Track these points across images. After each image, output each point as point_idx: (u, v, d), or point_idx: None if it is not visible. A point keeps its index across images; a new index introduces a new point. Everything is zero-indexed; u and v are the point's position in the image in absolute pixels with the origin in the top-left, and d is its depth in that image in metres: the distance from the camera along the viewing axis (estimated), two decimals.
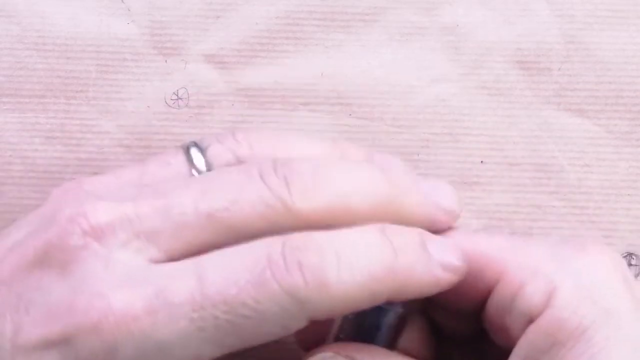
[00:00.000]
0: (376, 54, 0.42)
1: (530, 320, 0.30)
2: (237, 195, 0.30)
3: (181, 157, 0.34)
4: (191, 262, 0.29)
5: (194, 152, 0.34)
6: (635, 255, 0.42)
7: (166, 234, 0.29)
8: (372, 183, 0.31)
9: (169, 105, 0.42)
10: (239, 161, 0.32)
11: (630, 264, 0.42)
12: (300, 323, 0.29)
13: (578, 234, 0.42)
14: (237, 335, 0.29)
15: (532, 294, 0.30)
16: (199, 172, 0.33)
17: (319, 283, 0.28)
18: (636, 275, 0.42)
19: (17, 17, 0.42)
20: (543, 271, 0.30)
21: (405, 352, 0.33)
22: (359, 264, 0.29)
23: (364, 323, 0.33)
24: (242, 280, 0.28)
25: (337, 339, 0.33)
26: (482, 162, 0.42)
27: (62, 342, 0.29)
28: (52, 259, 0.30)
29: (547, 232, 0.42)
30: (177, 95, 0.42)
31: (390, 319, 0.33)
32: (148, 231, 0.30)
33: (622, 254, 0.42)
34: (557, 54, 0.42)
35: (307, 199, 0.30)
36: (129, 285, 0.29)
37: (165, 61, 0.42)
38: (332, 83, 0.42)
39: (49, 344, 0.29)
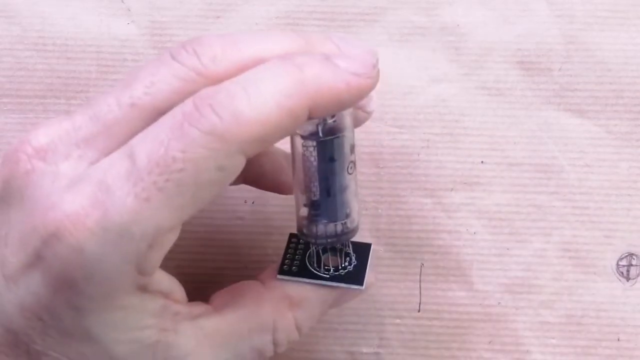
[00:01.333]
0: None
1: None
2: (152, 79, 0.31)
3: None
4: (122, 148, 0.31)
5: None
6: (636, 256, 0.42)
7: (101, 136, 0.31)
8: (283, 42, 0.32)
9: None
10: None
11: (630, 264, 0.42)
12: (234, 160, 0.30)
13: (578, 234, 0.42)
14: (182, 192, 0.30)
15: None
16: None
17: (232, 114, 0.30)
18: (636, 276, 0.42)
19: (17, 18, 0.42)
20: None
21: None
22: (267, 87, 0.30)
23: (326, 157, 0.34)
24: (165, 139, 0.30)
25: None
26: (482, 162, 0.42)
27: (37, 261, 0.31)
28: (11, 190, 0.32)
29: (547, 232, 0.42)
30: None
31: (341, 145, 0.34)
32: (85, 138, 0.32)
33: (623, 254, 0.42)
34: (558, 54, 0.42)
35: (219, 63, 0.31)
36: (74, 189, 0.30)
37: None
38: None
39: (26, 267, 0.31)
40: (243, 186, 0.39)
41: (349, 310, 0.42)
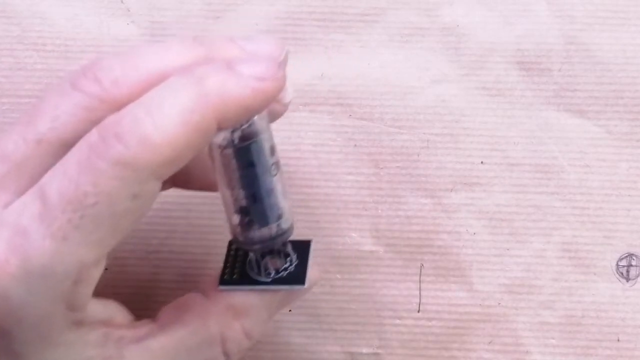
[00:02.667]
0: (376, 55, 0.42)
1: None
2: (56, 112, 0.31)
3: None
4: (33, 189, 0.30)
5: None
6: (636, 256, 0.42)
7: (11, 176, 0.31)
8: (184, 53, 0.32)
9: None
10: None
11: (630, 265, 0.42)
12: (148, 186, 0.30)
13: (578, 234, 0.42)
14: (98, 226, 0.29)
15: None
16: None
17: (138, 139, 0.29)
18: (636, 276, 0.42)
19: (16, 18, 0.42)
20: None
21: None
22: (170, 105, 0.29)
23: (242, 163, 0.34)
24: (74, 175, 0.29)
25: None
26: (482, 162, 0.42)
27: None
28: None
29: (547, 232, 0.42)
30: None
31: (259, 148, 0.33)
32: None
33: (623, 254, 0.42)
34: (558, 54, 0.42)
35: (120, 85, 0.30)
36: None
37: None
38: (332, 84, 0.42)
39: None
40: None
41: (348, 311, 0.42)
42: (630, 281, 0.42)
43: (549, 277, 0.42)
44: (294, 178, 0.42)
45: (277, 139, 0.41)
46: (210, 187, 0.37)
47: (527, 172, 0.42)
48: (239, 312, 0.35)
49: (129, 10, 0.42)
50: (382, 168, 0.42)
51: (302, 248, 0.36)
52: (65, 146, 0.30)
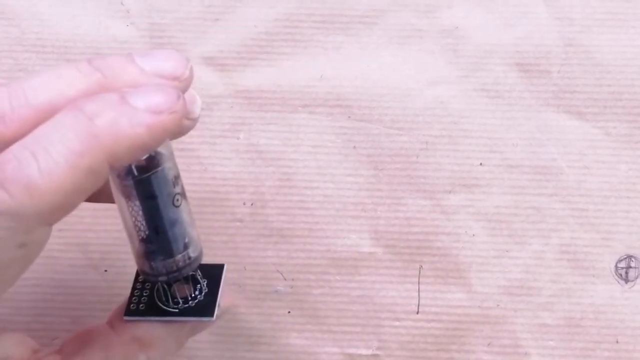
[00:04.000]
0: (375, 56, 0.42)
1: None
2: None
3: None
4: None
5: None
6: (634, 258, 0.42)
7: None
8: (76, 80, 0.29)
9: None
10: None
11: (629, 266, 0.42)
12: (36, 233, 0.28)
13: (577, 236, 0.42)
14: None
15: None
16: None
17: (23, 187, 0.27)
18: (635, 278, 0.42)
19: (16, 20, 0.42)
20: None
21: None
22: (56, 149, 0.27)
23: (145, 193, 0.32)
24: None
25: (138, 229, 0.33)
26: (481, 164, 0.42)
27: None
28: None
29: (546, 234, 0.42)
30: None
31: (161, 180, 0.32)
32: None
33: (621, 256, 0.42)
34: (556, 56, 0.42)
35: (10, 123, 0.29)
36: None
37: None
38: (331, 85, 0.42)
39: None
40: (242, 188, 0.39)
41: (347, 312, 0.42)
42: (629, 283, 0.42)
43: (548, 278, 0.42)
44: (293, 179, 0.42)
45: (276, 141, 0.42)
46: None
47: (526, 173, 0.42)
48: (144, 344, 0.33)
49: (128, 12, 0.42)
50: (381, 169, 0.42)
51: (214, 274, 0.35)
52: None
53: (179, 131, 0.30)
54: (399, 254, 0.42)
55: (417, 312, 0.42)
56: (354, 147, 0.42)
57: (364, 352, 0.42)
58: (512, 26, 0.42)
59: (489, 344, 0.42)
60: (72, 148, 0.27)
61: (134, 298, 0.34)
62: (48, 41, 0.42)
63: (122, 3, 0.42)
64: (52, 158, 0.27)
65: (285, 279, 0.41)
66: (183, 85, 0.30)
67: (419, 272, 0.42)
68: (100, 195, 0.33)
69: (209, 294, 0.34)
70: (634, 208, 0.42)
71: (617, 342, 0.41)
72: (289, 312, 0.42)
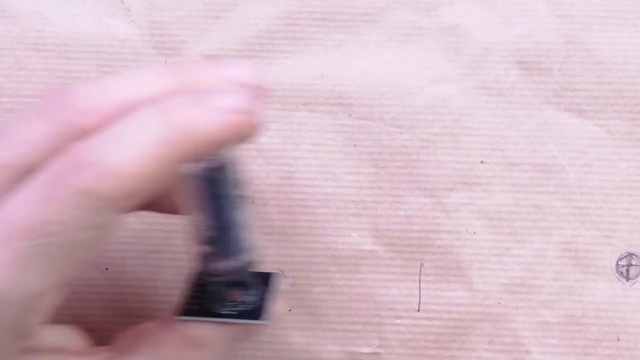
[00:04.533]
0: (376, 54, 0.42)
1: None
2: (22, 137, 0.30)
3: None
4: None
5: None
6: (636, 256, 0.42)
7: None
8: (156, 83, 0.31)
9: None
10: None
11: (630, 264, 0.42)
12: (109, 217, 0.29)
13: (578, 234, 0.42)
14: (55, 255, 0.29)
15: None
16: None
17: (102, 170, 0.28)
18: (636, 276, 0.42)
19: (17, 18, 0.42)
20: None
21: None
22: (136, 137, 0.29)
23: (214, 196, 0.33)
24: (33, 202, 0.28)
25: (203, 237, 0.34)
26: (482, 162, 0.42)
27: None
28: None
29: (547, 232, 0.42)
30: None
31: (225, 181, 0.33)
32: None
33: (622, 254, 0.42)
34: (557, 54, 0.42)
35: (90, 115, 0.30)
36: None
37: (165, 61, 0.42)
38: (332, 83, 0.42)
39: None
40: None
41: (348, 310, 0.42)
42: (630, 281, 0.42)
43: (549, 276, 0.42)
44: (293, 177, 0.42)
45: (277, 139, 0.42)
46: (174, 210, 0.36)
47: (526, 171, 0.42)
48: (196, 344, 0.34)
49: (128, 10, 0.42)
50: (382, 167, 0.42)
51: (268, 280, 0.36)
52: (27, 173, 0.30)
53: (249, 134, 0.31)
54: (399, 252, 0.42)
55: (418, 310, 0.42)
56: (355, 145, 0.42)
57: (364, 350, 0.42)
58: (513, 24, 0.42)
59: (490, 342, 0.42)
60: (153, 138, 0.29)
61: (186, 298, 0.35)
62: (49, 39, 0.42)
63: (122, 1, 0.42)
64: (133, 146, 0.29)
65: (286, 277, 0.41)
66: (257, 94, 0.31)
67: (420, 270, 0.42)
68: (153, 205, 0.35)
69: (262, 299, 0.35)
70: (635, 206, 0.42)
71: (618, 339, 0.41)
72: (290, 310, 0.42)
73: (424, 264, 0.42)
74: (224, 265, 0.33)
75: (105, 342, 0.35)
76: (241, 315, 0.34)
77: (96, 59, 0.42)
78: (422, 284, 0.42)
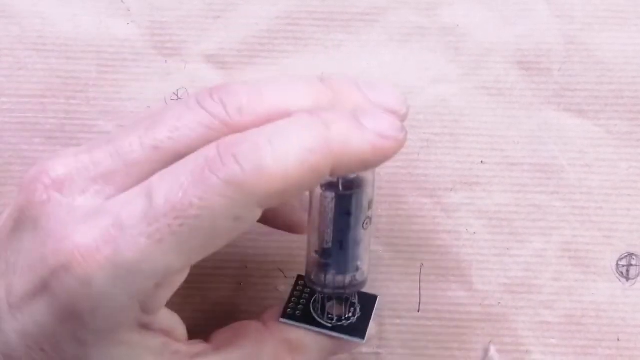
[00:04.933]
0: (376, 54, 0.42)
1: None
2: (177, 123, 0.31)
3: None
4: (141, 185, 0.31)
5: None
6: (636, 256, 0.42)
7: (120, 173, 0.31)
8: (310, 93, 0.32)
9: None
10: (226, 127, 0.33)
11: (630, 264, 0.42)
12: (251, 211, 0.30)
13: (578, 234, 0.42)
14: (195, 237, 0.30)
15: None
16: None
17: (255, 166, 0.29)
18: (636, 276, 0.42)
19: (17, 18, 0.42)
20: None
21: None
22: (292, 142, 0.30)
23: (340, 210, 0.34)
24: (184, 183, 0.29)
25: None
26: (482, 162, 0.42)
27: (42, 290, 0.30)
28: (25, 218, 0.32)
29: (547, 232, 0.42)
30: (177, 96, 0.42)
31: (359, 200, 0.34)
32: (103, 174, 0.31)
33: (622, 254, 0.42)
34: (557, 54, 0.42)
35: (244, 113, 0.31)
36: (88, 222, 0.30)
37: (165, 61, 0.42)
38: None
39: (32, 295, 0.31)
40: None
41: None
42: (630, 281, 0.42)
43: (549, 276, 0.42)
44: None
45: None
46: (291, 228, 0.38)
47: (527, 171, 0.42)
48: (293, 348, 0.36)
49: (129, 10, 0.42)
50: (382, 167, 0.41)
51: (368, 301, 0.37)
52: (179, 157, 0.31)
53: (390, 158, 0.32)
54: (400, 252, 0.42)
55: (418, 310, 0.42)
56: None
57: (365, 349, 0.42)
58: (513, 24, 0.42)
59: (490, 342, 0.42)
60: (305, 145, 0.30)
61: (291, 303, 0.36)
62: (49, 39, 0.42)
63: (122, 1, 0.42)
64: (285, 148, 0.29)
65: (286, 277, 0.41)
66: (400, 120, 0.33)
67: (420, 270, 0.42)
68: (274, 219, 0.37)
69: (361, 318, 0.36)
70: (635, 206, 0.42)
71: (618, 340, 0.41)
72: None
73: (424, 264, 0.42)
74: (337, 280, 0.35)
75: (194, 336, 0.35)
76: (340, 329, 0.36)
77: (96, 59, 0.42)
78: (422, 284, 0.42)
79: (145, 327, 0.32)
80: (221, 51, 0.42)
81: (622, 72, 0.42)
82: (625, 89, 0.42)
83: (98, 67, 0.42)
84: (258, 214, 0.30)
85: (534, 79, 0.42)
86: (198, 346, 0.34)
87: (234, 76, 0.42)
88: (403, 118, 0.33)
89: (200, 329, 0.36)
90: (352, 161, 0.31)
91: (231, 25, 0.42)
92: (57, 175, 0.31)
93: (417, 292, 0.42)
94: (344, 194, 0.33)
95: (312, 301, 0.36)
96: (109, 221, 0.30)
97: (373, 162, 0.31)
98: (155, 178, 0.30)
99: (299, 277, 0.37)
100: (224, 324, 0.37)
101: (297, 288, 0.37)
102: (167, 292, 0.31)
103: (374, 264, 0.42)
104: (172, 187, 0.30)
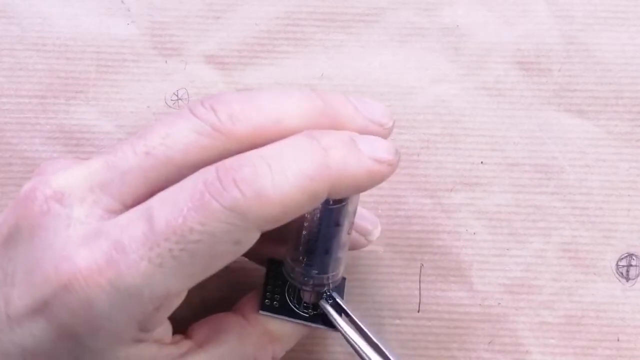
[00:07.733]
0: (376, 55, 0.42)
1: None
2: (168, 130, 0.31)
3: None
4: (141, 207, 0.31)
5: None
6: (635, 256, 0.42)
7: (115, 182, 0.31)
8: (302, 102, 0.32)
9: (169, 106, 0.42)
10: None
11: (630, 265, 0.42)
12: (250, 236, 0.30)
13: (578, 234, 0.42)
14: (195, 262, 0.30)
15: None
16: None
17: (255, 192, 0.29)
18: (636, 276, 0.42)
19: (17, 18, 0.42)
20: None
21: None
22: (292, 167, 0.30)
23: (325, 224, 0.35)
24: (185, 208, 0.30)
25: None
26: (482, 162, 0.42)
27: (44, 308, 0.31)
28: (23, 228, 0.32)
29: (547, 232, 0.42)
30: (177, 96, 0.42)
31: (347, 211, 0.34)
32: (100, 183, 0.32)
33: (622, 254, 0.42)
34: (557, 54, 0.42)
35: (236, 121, 0.31)
36: (89, 242, 0.30)
37: (166, 62, 0.42)
38: (332, 84, 0.42)
39: (32, 311, 0.31)
40: None
41: None
42: (630, 281, 0.42)
43: (549, 277, 0.42)
44: None
45: None
46: (258, 261, 0.39)
47: (527, 172, 0.42)
48: (273, 338, 0.36)
49: (129, 10, 0.42)
50: None
51: (338, 287, 0.37)
52: (172, 164, 0.31)
53: (382, 182, 0.33)
54: (400, 252, 0.42)
55: (418, 311, 0.42)
56: None
57: None
58: (513, 24, 0.42)
59: (490, 342, 0.42)
60: (305, 171, 0.30)
61: (267, 294, 0.37)
62: (49, 40, 0.42)
63: (122, 1, 0.42)
64: (285, 175, 0.30)
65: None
66: (386, 133, 0.34)
67: (420, 271, 0.42)
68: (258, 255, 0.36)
69: (334, 304, 0.37)
70: (635, 206, 0.42)
71: (618, 340, 0.41)
72: None
73: (424, 265, 0.42)
74: (316, 279, 0.35)
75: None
76: (317, 319, 0.37)
77: (96, 59, 0.42)
78: (422, 285, 0.42)
79: (141, 340, 0.32)
80: (221, 51, 0.42)
81: (622, 72, 0.42)
82: (625, 89, 0.42)
83: (98, 67, 0.42)
84: (257, 237, 0.31)
85: (534, 79, 0.42)
86: (184, 345, 0.35)
87: (234, 76, 0.42)
88: (389, 131, 0.33)
89: None
90: (348, 185, 0.31)
91: (231, 25, 0.42)
92: (58, 185, 0.32)
93: (417, 292, 0.42)
94: (333, 208, 0.34)
95: (287, 289, 0.37)
96: (110, 244, 0.30)
97: (367, 186, 0.32)
98: (155, 199, 0.31)
99: (270, 261, 0.38)
100: None
101: (270, 275, 0.37)
102: (166, 314, 0.32)
103: (374, 264, 0.42)
104: (173, 211, 0.30)
